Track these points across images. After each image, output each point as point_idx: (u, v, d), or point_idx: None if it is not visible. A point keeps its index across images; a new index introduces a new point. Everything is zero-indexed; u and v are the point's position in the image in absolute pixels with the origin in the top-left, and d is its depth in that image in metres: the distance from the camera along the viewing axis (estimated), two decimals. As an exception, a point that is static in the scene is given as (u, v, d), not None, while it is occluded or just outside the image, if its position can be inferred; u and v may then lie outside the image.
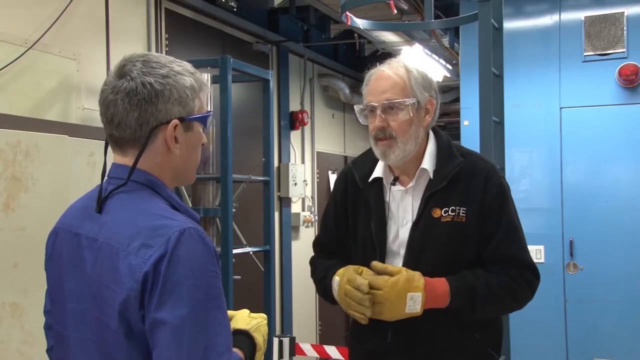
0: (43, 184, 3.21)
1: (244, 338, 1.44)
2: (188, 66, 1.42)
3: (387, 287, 1.88)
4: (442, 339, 2.02)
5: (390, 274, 1.92)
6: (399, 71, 2.04)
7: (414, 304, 1.88)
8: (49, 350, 1.54)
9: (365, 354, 2.14)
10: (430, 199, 2.03)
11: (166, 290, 1.22)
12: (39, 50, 3.63)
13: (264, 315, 1.54)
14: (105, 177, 1.42)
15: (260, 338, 1.47)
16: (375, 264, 1.96)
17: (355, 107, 2.13)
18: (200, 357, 1.21)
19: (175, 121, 1.36)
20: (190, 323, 1.21)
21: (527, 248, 2.08)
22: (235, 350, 1.36)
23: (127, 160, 1.38)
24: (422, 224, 2.02)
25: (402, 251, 2.04)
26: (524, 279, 2.03)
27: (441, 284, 1.94)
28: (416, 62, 2.18)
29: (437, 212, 2.02)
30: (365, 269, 1.98)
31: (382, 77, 2.05)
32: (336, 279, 2.01)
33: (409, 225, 2.05)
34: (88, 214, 1.40)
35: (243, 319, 1.50)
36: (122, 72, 1.36)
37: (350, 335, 2.23)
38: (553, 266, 4.91)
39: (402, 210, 2.08)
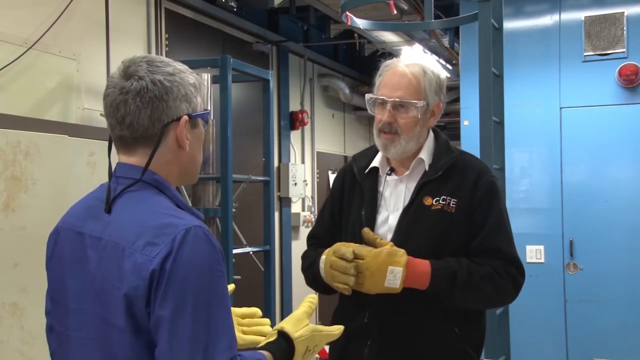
0: (43, 184, 3.21)
1: (282, 343, 1.42)
2: (186, 66, 1.45)
3: (370, 257, 1.90)
4: (419, 327, 2.02)
5: (376, 247, 1.94)
6: (415, 71, 2.07)
7: (394, 279, 1.89)
8: (52, 354, 1.52)
9: (345, 337, 2.14)
10: (423, 188, 2.07)
11: (171, 288, 1.22)
12: (39, 50, 3.63)
13: (330, 335, 1.52)
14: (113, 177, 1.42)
15: (302, 349, 1.44)
16: (367, 230, 1.97)
17: (366, 95, 2.15)
18: (202, 355, 1.21)
19: (185, 117, 1.38)
20: (194, 321, 1.22)
21: (514, 244, 2.09)
22: (262, 352, 1.35)
23: (134, 160, 1.38)
24: (413, 210, 2.06)
25: (389, 236, 2.07)
26: (507, 272, 2.02)
27: (423, 264, 1.95)
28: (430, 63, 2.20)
29: (428, 200, 2.05)
30: (354, 244, 1.99)
31: (398, 73, 2.07)
32: (323, 257, 2.03)
33: (399, 211, 2.09)
34: (92, 213, 1.40)
35: (298, 320, 1.48)
36: (128, 73, 1.36)
37: (333, 317, 2.22)
38: (553, 266, 4.90)
39: (395, 197, 2.12)
